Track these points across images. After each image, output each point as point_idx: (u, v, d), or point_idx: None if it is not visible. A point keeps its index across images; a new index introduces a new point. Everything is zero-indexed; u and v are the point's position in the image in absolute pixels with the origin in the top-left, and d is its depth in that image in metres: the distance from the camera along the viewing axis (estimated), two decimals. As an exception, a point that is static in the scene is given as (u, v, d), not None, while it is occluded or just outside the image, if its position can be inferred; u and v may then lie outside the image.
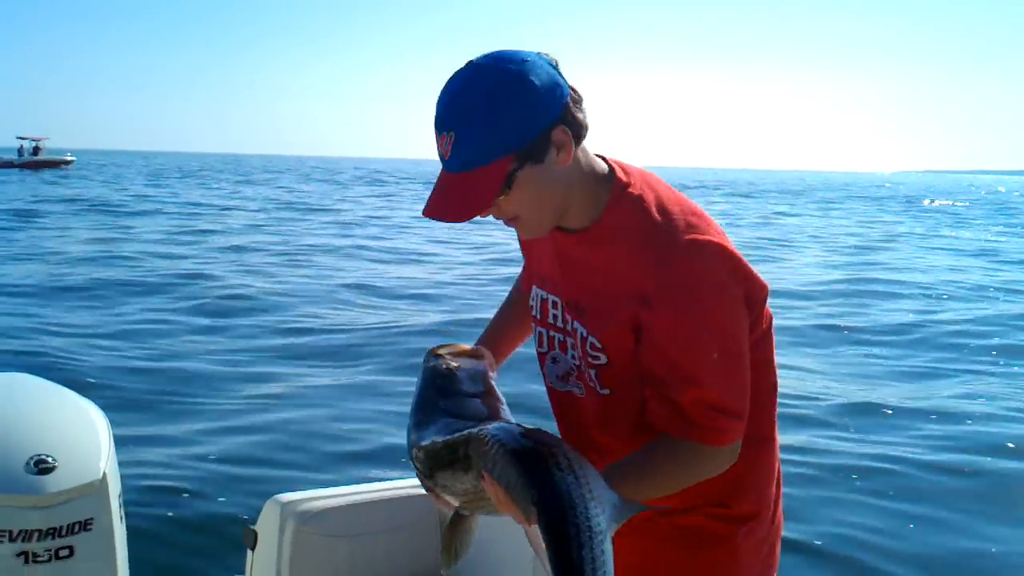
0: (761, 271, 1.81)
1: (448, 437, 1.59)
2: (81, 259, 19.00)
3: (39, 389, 3.02)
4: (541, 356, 1.98)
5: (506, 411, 1.74)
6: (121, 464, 2.87)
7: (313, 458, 7.09)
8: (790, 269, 21.09)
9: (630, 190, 1.79)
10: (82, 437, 2.79)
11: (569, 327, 1.88)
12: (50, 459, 2.63)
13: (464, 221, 1.71)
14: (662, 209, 1.77)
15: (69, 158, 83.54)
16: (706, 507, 1.88)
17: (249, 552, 3.11)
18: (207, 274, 17.03)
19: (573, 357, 1.89)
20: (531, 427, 1.53)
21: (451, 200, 1.71)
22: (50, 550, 2.58)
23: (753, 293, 1.78)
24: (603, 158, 1.86)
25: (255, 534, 3.07)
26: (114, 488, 2.76)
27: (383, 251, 22.66)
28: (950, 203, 69.78)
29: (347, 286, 16.18)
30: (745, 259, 1.78)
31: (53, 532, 2.59)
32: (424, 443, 1.64)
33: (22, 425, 2.77)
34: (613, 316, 1.78)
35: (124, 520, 2.80)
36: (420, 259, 21.09)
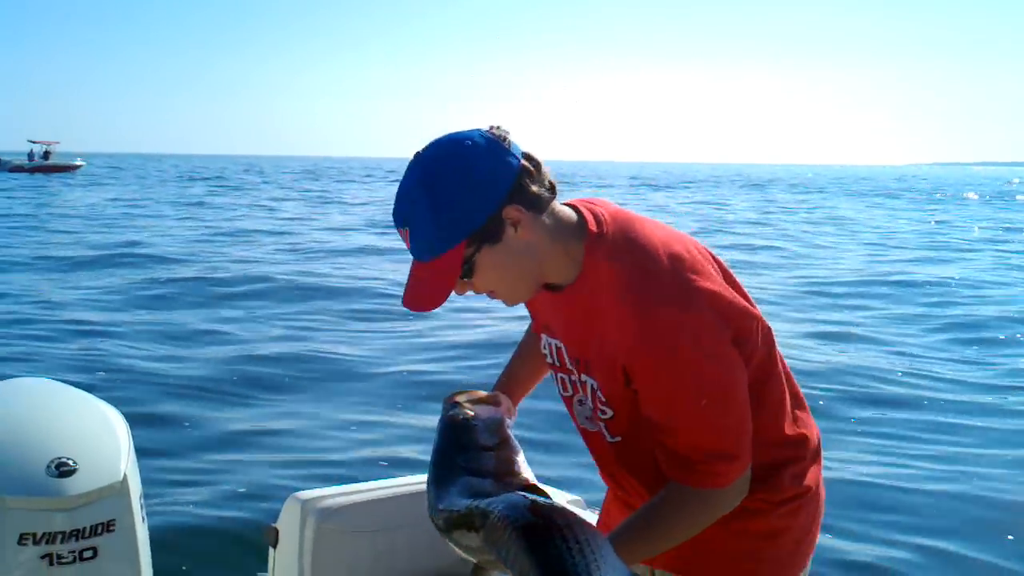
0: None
1: (465, 507, 1.61)
2: (111, 257, 19.22)
3: (58, 393, 3.04)
4: (566, 400, 1.98)
5: (520, 462, 1.75)
6: (141, 465, 2.89)
7: (335, 455, 7.11)
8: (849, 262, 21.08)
9: (602, 243, 1.77)
10: (102, 439, 2.81)
11: (581, 378, 1.88)
12: (71, 462, 2.65)
13: (434, 309, 1.76)
14: (637, 259, 1.75)
15: (78, 163, 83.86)
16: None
17: (271, 550, 3.12)
18: (254, 273, 17.13)
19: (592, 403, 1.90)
20: (541, 501, 1.54)
21: (418, 290, 1.77)
22: (74, 551, 2.60)
23: (744, 327, 1.76)
24: (575, 207, 1.83)
25: (276, 532, 3.08)
26: (135, 489, 2.78)
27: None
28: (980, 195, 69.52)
29: (390, 282, 16.20)
30: (730, 293, 1.75)
31: (76, 534, 2.61)
32: (442, 506, 1.67)
33: (42, 429, 2.79)
34: (610, 369, 1.79)
35: (146, 521, 2.82)
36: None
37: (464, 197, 1.68)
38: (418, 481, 3.19)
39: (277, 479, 6.37)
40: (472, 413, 1.81)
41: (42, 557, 2.57)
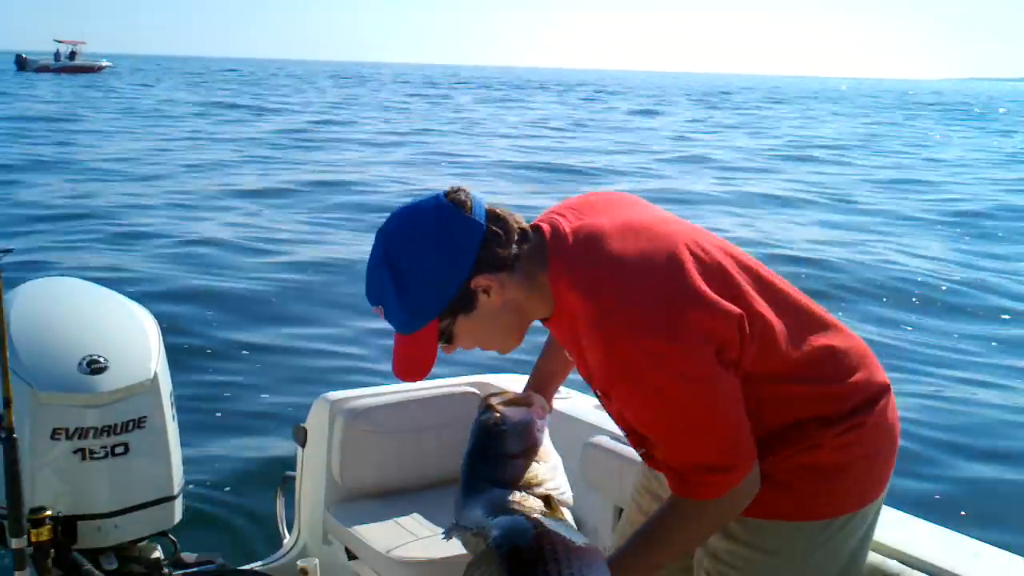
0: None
1: (475, 528, 1.66)
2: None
3: (90, 292, 3.07)
4: (599, 398, 1.96)
5: (548, 467, 1.76)
6: (171, 364, 2.91)
7: (364, 354, 7.21)
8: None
9: (563, 273, 1.71)
10: (133, 339, 2.84)
11: (595, 392, 1.85)
12: (102, 359, 2.68)
13: (423, 378, 1.77)
14: (597, 288, 1.68)
15: (105, 63, 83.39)
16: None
17: (299, 449, 3.16)
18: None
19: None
20: (543, 525, 1.56)
21: (403, 361, 1.77)
22: (106, 447, 2.65)
23: (727, 333, 1.67)
24: (540, 229, 1.75)
25: (305, 431, 3.12)
26: (165, 387, 2.82)
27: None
28: None
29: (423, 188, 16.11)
30: (706, 298, 1.65)
31: (108, 430, 2.65)
32: (461, 523, 1.72)
33: (74, 327, 2.82)
34: (600, 391, 1.78)
35: (176, 418, 2.86)
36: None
37: (427, 278, 1.66)
38: (446, 384, 3.21)
39: (306, 379, 6.45)
40: (502, 417, 1.82)
41: (74, 452, 2.62)
